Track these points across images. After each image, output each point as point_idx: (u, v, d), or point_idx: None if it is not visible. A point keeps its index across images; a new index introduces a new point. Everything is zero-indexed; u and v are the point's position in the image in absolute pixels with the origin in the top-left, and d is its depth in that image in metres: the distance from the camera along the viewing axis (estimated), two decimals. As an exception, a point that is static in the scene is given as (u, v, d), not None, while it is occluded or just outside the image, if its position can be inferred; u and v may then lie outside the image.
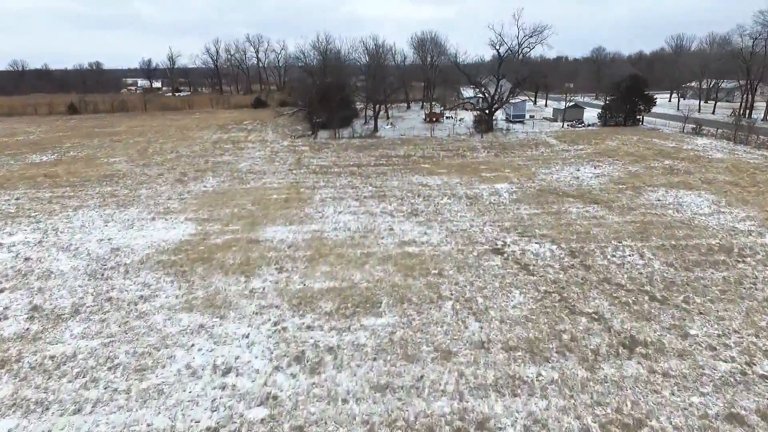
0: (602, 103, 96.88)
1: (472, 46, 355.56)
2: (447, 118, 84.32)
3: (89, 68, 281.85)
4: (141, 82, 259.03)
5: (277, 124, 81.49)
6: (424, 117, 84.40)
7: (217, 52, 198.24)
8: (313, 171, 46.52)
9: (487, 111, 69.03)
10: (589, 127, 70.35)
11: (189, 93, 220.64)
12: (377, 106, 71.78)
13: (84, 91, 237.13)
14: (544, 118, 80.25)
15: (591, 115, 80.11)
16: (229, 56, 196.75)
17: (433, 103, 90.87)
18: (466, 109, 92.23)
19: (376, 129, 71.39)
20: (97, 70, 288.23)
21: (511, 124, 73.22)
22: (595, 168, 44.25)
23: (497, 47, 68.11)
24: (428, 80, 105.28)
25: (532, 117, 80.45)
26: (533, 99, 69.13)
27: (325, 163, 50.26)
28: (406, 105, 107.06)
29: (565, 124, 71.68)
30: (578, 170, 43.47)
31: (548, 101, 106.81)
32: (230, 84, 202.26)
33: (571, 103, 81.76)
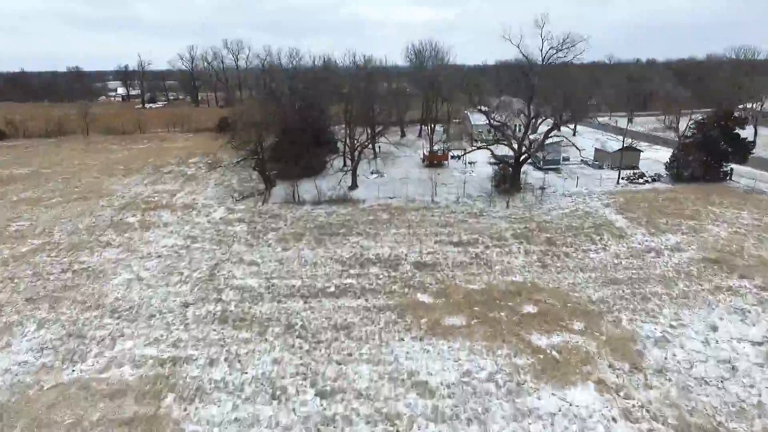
0: (642, 131, 76.64)
1: (472, 49, 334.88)
2: (453, 157, 63.88)
3: (71, 71, 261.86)
4: (121, 89, 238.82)
5: (228, 164, 60.47)
6: (422, 157, 63.79)
7: (193, 59, 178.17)
8: (223, 312, 25.89)
9: (512, 160, 48.54)
10: (655, 184, 49.88)
11: (165, 102, 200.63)
12: (357, 151, 51.24)
13: (57, 99, 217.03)
14: (582, 161, 59.71)
15: (648, 157, 59.63)
16: (207, 63, 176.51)
17: (437, 132, 70.43)
18: (475, 139, 72.17)
19: (354, 184, 50.89)
20: (77, 72, 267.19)
21: (544, 174, 52.64)
22: (743, 320, 23.67)
23: (527, 73, 47.47)
24: (427, 100, 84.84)
25: (566, 160, 60.05)
26: (556, 124, 49.26)
27: (254, 281, 29.58)
28: (400, 132, 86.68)
29: (621, 178, 51.01)
30: (714, 331, 22.90)
31: (576, 127, 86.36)
32: (213, 91, 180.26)
33: (607, 140, 61.50)
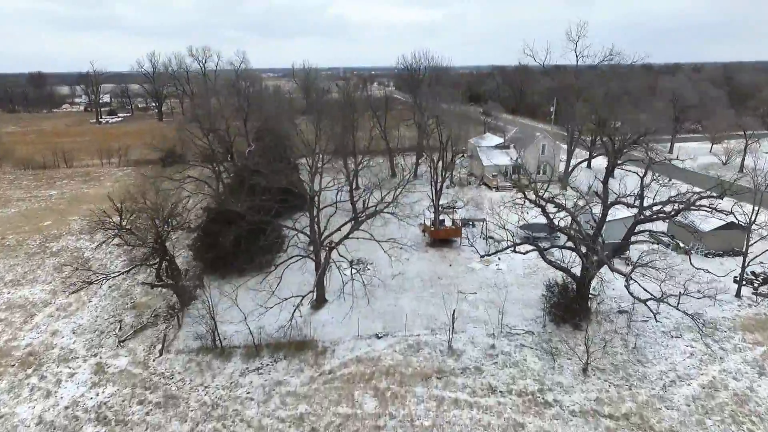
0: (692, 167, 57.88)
1: (463, 50, 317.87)
2: (466, 225, 45.27)
3: (32, 74, 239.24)
4: (84, 97, 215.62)
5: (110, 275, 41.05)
6: (422, 229, 44.76)
7: (155, 68, 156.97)
8: None
9: (575, 271, 29.86)
10: (796, 295, 31.69)
11: (129, 115, 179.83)
12: (326, 253, 32.16)
13: (10, 110, 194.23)
14: (651, 234, 40.78)
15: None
16: (172, 72, 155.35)
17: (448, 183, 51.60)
18: (488, 186, 54.54)
19: (321, 298, 31.96)
20: (39, 76, 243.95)
21: (613, 275, 33.60)
22: None
23: (611, 137, 29.23)
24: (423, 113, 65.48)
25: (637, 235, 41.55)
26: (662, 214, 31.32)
27: None
28: (390, 169, 68.20)
29: (743, 283, 32.44)
30: None
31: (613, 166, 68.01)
32: (180, 102, 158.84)
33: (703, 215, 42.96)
